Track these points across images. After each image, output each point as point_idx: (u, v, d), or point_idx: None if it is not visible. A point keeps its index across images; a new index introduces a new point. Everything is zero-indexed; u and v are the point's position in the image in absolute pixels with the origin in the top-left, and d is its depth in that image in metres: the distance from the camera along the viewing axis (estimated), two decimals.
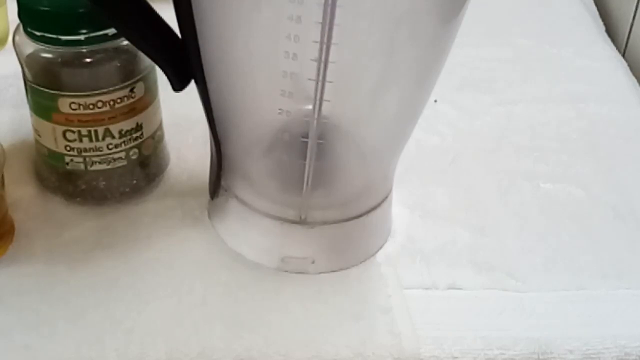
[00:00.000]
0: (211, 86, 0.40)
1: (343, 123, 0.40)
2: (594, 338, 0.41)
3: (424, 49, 0.38)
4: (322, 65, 0.36)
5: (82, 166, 0.45)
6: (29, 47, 0.43)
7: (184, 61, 0.40)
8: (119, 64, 0.43)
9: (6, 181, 0.44)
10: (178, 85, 0.41)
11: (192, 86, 0.41)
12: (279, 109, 0.38)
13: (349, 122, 0.41)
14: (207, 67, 0.39)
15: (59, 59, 0.42)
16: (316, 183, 0.41)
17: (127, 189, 0.46)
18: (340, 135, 0.41)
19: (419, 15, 0.36)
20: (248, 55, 0.37)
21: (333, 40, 0.35)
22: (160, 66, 0.41)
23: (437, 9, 0.36)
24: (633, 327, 0.42)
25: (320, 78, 0.36)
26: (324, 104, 0.37)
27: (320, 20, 0.34)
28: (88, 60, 0.42)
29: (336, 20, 0.34)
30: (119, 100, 0.43)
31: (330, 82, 0.36)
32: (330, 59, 0.35)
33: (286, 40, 0.35)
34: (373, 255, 0.44)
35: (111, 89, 0.43)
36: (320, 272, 0.43)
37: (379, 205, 0.44)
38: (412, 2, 0.35)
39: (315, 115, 0.38)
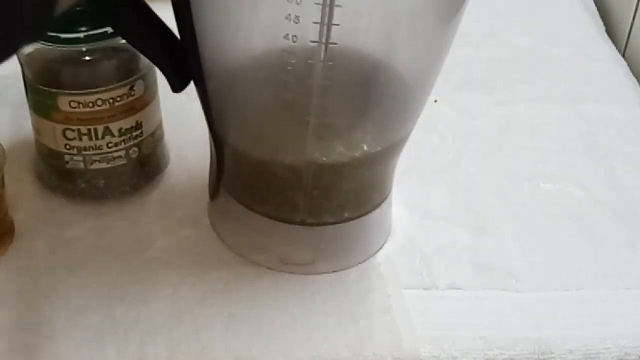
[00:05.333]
0: (210, 86, 0.40)
1: (342, 122, 0.40)
2: (594, 338, 0.41)
3: (423, 48, 0.38)
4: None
5: (81, 165, 0.45)
6: (29, 46, 0.43)
7: (183, 62, 0.40)
8: (118, 62, 0.43)
9: (6, 181, 0.44)
10: (177, 86, 0.41)
11: (192, 86, 0.41)
12: None
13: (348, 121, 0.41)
14: (206, 67, 0.39)
15: (59, 58, 0.42)
16: (316, 183, 0.41)
17: (127, 188, 0.46)
18: (340, 136, 0.41)
19: (418, 15, 0.36)
20: (247, 56, 0.37)
21: (332, 41, 0.35)
22: (159, 67, 0.41)
23: (436, 9, 0.36)
24: (633, 327, 0.42)
25: (320, 78, 0.36)
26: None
27: (319, 21, 0.34)
28: (87, 58, 0.42)
29: (334, 20, 0.34)
30: (118, 99, 0.43)
31: (329, 81, 0.36)
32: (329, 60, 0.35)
33: (284, 40, 0.35)
34: (373, 255, 0.44)
35: (111, 87, 0.43)
36: (320, 273, 0.43)
37: (378, 205, 0.44)
38: (412, 2, 0.35)
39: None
